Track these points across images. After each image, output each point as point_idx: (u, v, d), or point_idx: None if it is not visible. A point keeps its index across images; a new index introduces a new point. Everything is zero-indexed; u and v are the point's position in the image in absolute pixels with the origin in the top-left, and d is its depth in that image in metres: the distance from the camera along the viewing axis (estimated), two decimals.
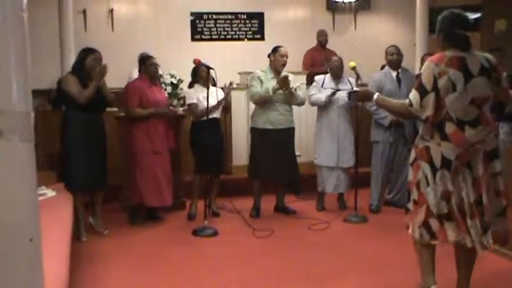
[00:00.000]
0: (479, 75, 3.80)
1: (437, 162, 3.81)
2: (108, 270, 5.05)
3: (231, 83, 6.85)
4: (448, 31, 3.92)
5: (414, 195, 3.99)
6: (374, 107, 6.66)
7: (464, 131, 3.76)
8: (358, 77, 6.87)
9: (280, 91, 6.55)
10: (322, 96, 6.82)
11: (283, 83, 6.49)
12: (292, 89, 6.60)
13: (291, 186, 7.10)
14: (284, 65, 6.70)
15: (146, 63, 6.49)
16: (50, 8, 8.21)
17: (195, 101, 6.63)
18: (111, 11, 10.29)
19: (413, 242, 4.07)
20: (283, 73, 6.64)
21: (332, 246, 5.79)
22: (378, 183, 7.04)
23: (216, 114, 6.68)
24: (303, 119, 7.54)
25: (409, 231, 4.07)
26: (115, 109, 6.82)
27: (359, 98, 4.47)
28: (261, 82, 6.67)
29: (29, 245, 1.92)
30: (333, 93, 6.79)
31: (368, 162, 7.16)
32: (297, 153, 7.17)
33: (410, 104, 3.86)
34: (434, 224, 3.87)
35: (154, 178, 6.39)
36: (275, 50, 6.74)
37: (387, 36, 9.52)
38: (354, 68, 6.89)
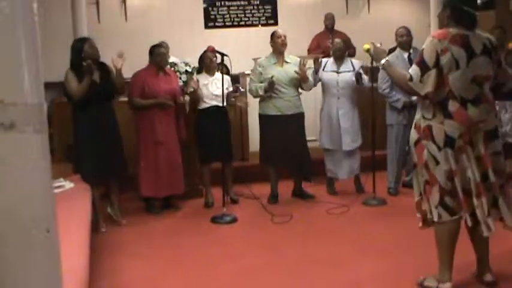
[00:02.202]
0: (481, 54, 3.82)
1: (440, 141, 3.81)
2: (128, 260, 5.10)
3: (236, 89, 6.89)
4: (455, 8, 3.90)
5: (423, 176, 3.96)
6: (387, 90, 6.70)
7: (467, 109, 3.76)
8: (373, 59, 6.79)
9: (285, 75, 6.61)
10: (315, 78, 6.90)
11: (272, 86, 6.53)
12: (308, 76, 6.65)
13: (301, 173, 7.06)
14: (284, 44, 6.70)
15: (153, 53, 6.52)
16: (62, 1, 8.25)
17: (191, 89, 6.65)
18: (124, 1, 10.31)
19: (434, 226, 4.02)
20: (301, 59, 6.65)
21: (351, 230, 5.82)
22: (394, 165, 7.03)
23: (217, 102, 6.56)
24: (317, 103, 7.48)
25: (420, 224, 4.11)
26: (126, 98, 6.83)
27: (375, 53, 4.39)
28: (261, 74, 6.69)
29: (46, 236, 1.91)
30: (315, 72, 6.88)
31: (385, 145, 7.14)
32: (311, 138, 7.17)
33: (411, 79, 3.85)
34: (449, 200, 3.86)
35: (155, 169, 6.43)
36: (272, 35, 6.79)
37: (401, 18, 9.40)
38: (368, 51, 6.81)
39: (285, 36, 6.69)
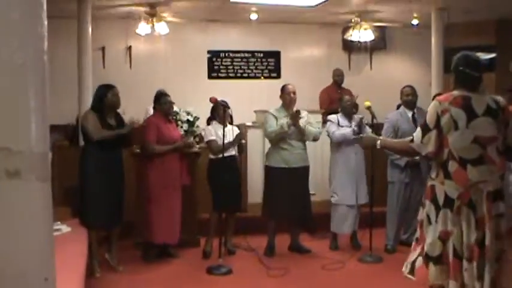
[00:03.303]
0: (483, 115, 3.83)
1: (441, 201, 3.83)
2: None
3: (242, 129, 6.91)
4: (458, 71, 3.98)
5: (417, 233, 4.04)
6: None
7: (467, 169, 3.78)
8: (373, 117, 6.88)
9: (293, 128, 6.61)
10: (346, 131, 6.86)
11: (295, 117, 6.56)
12: (302, 125, 6.65)
13: (306, 226, 7.08)
14: (293, 101, 6.77)
15: (161, 100, 6.57)
16: (69, 45, 8.37)
17: (213, 137, 6.67)
18: (129, 48, 10.40)
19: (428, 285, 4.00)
20: (295, 109, 6.69)
21: (346, 286, 5.80)
22: (393, 223, 7.02)
23: (233, 152, 6.71)
24: (318, 157, 7.55)
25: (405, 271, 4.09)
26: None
27: (364, 143, 4.56)
28: (276, 119, 6.72)
29: (44, 284, 1.92)
30: (357, 133, 6.76)
31: (383, 201, 7.12)
32: (311, 191, 7.16)
33: (412, 140, 3.96)
34: (418, 262, 3.93)
35: (166, 214, 6.43)
36: (282, 88, 6.87)
37: (403, 76, 9.54)
38: (369, 108, 6.91)
39: (294, 93, 6.77)
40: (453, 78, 4.04)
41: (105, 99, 6.01)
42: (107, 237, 6.33)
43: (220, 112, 6.67)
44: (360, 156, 6.95)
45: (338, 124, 6.98)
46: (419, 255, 3.93)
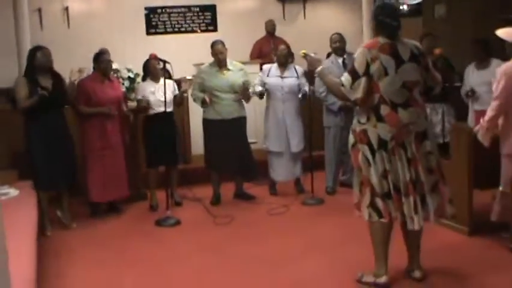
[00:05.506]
0: (409, 61, 4.05)
1: (375, 144, 4.03)
2: (74, 263, 5.19)
3: (181, 94, 7.01)
4: (378, 21, 4.16)
5: (359, 177, 4.21)
6: (323, 94, 6.93)
7: (398, 112, 3.99)
8: (320, 61, 7.05)
9: (217, 83, 6.81)
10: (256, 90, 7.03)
11: (205, 103, 6.79)
12: (251, 93, 6.88)
13: (245, 174, 7.24)
14: (223, 59, 6.86)
15: (99, 59, 6.62)
16: (5, 8, 8.28)
17: (139, 97, 6.82)
18: (66, 8, 10.36)
19: (368, 225, 4.25)
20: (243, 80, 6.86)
21: (291, 229, 5.99)
22: (331, 166, 7.29)
23: (168, 108, 6.72)
24: (257, 107, 7.72)
25: (357, 213, 4.29)
26: None
27: (309, 62, 4.57)
28: (203, 81, 6.86)
29: None
30: (261, 94, 7.05)
31: (322, 147, 7.38)
32: (253, 140, 7.39)
33: (342, 85, 4.08)
34: (379, 203, 4.10)
35: (101, 175, 6.52)
36: (211, 45, 6.95)
37: (336, 25, 9.68)
38: (305, 56, 7.08)
39: (222, 52, 6.85)
40: (373, 26, 4.24)
41: (35, 60, 6.01)
42: (57, 196, 6.39)
43: (151, 69, 6.83)
44: (290, 106, 7.10)
45: (268, 75, 7.12)
46: (372, 196, 4.12)
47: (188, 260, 5.19)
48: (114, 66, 7.43)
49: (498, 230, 5.14)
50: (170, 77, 6.77)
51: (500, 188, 4.92)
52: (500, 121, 4.85)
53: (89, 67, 6.66)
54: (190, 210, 6.84)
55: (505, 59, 5.09)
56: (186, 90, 7.05)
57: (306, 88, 7.01)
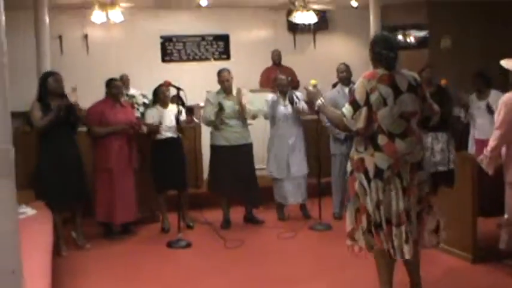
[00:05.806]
0: (407, 91, 4.10)
1: (371, 172, 4.06)
2: (88, 283, 5.28)
3: (191, 120, 7.18)
4: (374, 52, 4.23)
5: (355, 204, 4.23)
6: (329, 124, 7.06)
7: (395, 142, 4.04)
8: (319, 94, 7.19)
9: (229, 111, 6.95)
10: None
11: (238, 95, 6.93)
12: (243, 103, 6.97)
13: (249, 201, 7.38)
14: (228, 86, 7.04)
15: (110, 85, 6.79)
16: (27, 35, 8.51)
17: (148, 121, 6.97)
18: (86, 36, 10.65)
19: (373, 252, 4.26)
20: (237, 87, 7.04)
21: (300, 252, 6.08)
22: (337, 192, 7.38)
23: (172, 134, 6.93)
24: (265, 135, 7.78)
25: (349, 243, 4.32)
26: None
27: (308, 96, 4.63)
28: (211, 104, 7.02)
29: (11, 276, 2.00)
30: (254, 116, 7.19)
31: (329, 173, 7.48)
32: (261, 166, 7.50)
33: (344, 116, 4.11)
34: (373, 231, 4.13)
35: (108, 195, 6.62)
36: (218, 73, 7.16)
37: (344, 54, 9.83)
38: (315, 86, 7.25)
39: (228, 80, 7.04)
40: (370, 57, 4.27)
41: (47, 85, 6.14)
42: (71, 217, 6.51)
43: (160, 96, 7.01)
44: (291, 132, 7.26)
45: (270, 104, 7.27)
46: (368, 224, 4.12)
47: (200, 281, 5.28)
48: (131, 92, 7.57)
49: (502, 257, 5.18)
50: (183, 104, 6.88)
51: (506, 216, 4.98)
52: (504, 150, 4.94)
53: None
54: (201, 233, 6.92)
55: (505, 89, 5.16)
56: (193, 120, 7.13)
57: (297, 99, 7.14)
